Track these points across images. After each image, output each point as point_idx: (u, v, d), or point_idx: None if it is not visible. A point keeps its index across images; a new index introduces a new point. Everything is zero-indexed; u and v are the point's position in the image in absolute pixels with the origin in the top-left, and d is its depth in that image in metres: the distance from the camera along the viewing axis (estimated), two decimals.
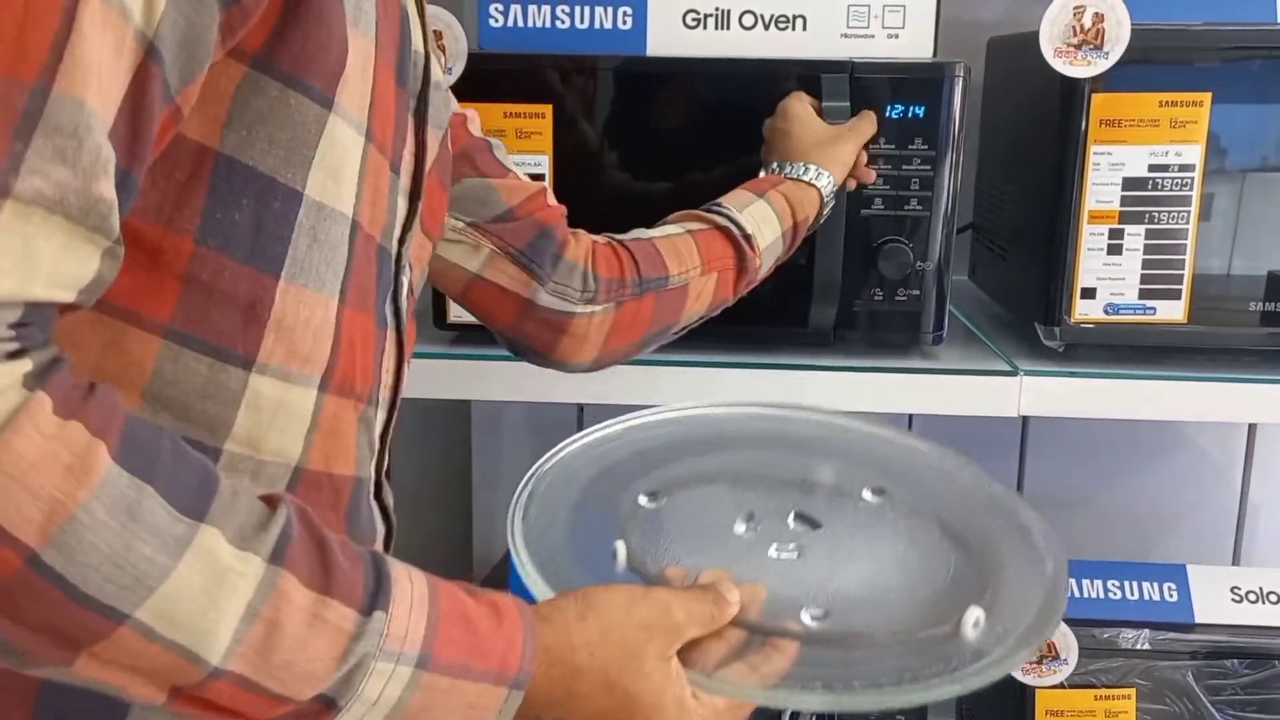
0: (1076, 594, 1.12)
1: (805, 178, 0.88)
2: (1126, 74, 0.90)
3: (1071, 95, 0.92)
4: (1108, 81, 0.91)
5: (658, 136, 0.99)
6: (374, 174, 0.55)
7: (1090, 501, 1.42)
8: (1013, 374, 0.96)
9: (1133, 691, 1.06)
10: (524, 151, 0.95)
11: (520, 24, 1.00)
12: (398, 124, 0.58)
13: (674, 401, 0.98)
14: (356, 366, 0.57)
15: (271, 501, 0.47)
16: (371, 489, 0.62)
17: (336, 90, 0.51)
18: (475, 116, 0.78)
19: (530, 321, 0.79)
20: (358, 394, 0.57)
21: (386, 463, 0.64)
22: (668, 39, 0.99)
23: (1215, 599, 1.11)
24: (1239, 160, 0.95)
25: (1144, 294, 0.94)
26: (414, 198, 0.63)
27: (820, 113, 0.93)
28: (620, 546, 0.62)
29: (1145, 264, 0.94)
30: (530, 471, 0.68)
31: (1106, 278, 0.95)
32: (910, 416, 1.36)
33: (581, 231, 0.81)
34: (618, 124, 0.98)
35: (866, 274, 0.97)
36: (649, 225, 0.86)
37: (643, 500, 0.68)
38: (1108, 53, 0.90)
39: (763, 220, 0.85)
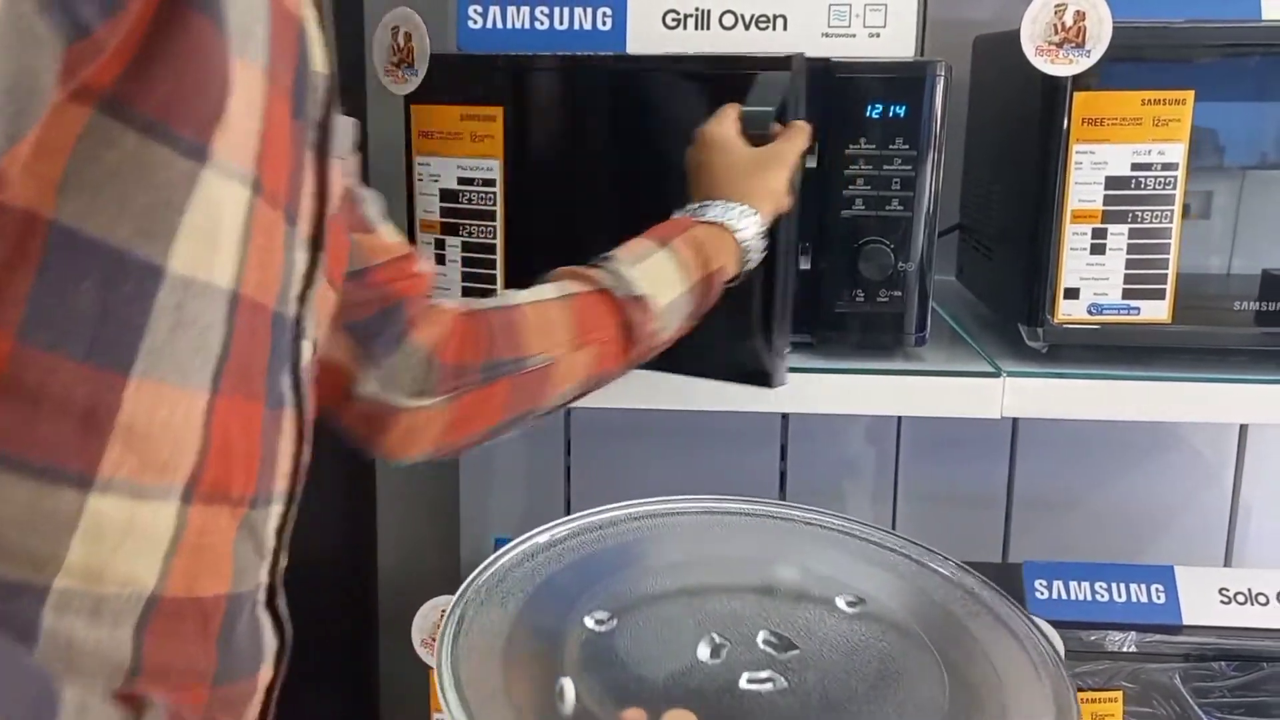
0: (1064, 596, 1.12)
1: (721, 220, 0.79)
2: (1109, 72, 0.89)
3: (1053, 94, 0.91)
4: (1090, 80, 0.90)
5: (592, 139, 0.97)
6: (263, 232, 0.47)
7: (1081, 502, 1.41)
8: (995, 375, 0.95)
9: (1119, 694, 1.05)
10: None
11: (499, 25, 1.00)
12: (294, 165, 0.50)
13: (655, 403, 0.97)
14: (235, 466, 0.48)
15: (135, 705, 0.40)
16: (262, 598, 0.53)
17: (212, 137, 0.42)
18: (348, 161, 0.67)
19: (349, 410, 0.68)
20: (236, 498, 0.49)
21: (284, 562, 0.55)
22: (648, 39, 0.99)
23: (1204, 601, 1.10)
24: (1224, 158, 0.95)
25: (1128, 294, 0.94)
26: (316, 246, 0.53)
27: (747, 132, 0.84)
28: (567, 685, 0.54)
29: (1129, 264, 0.93)
30: (460, 590, 0.60)
31: (1090, 278, 0.94)
32: (899, 420, 1.36)
33: (445, 304, 0.72)
34: (556, 126, 0.97)
35: (848, 275, 0.96)
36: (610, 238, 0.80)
37: (591, 623, 0.59)
38: (1089, 51, 0.89)
39: (661, 277, 0.75)
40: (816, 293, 0.97)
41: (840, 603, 0.63)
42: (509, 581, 0.62)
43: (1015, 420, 1.34)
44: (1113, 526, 1.40)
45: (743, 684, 0.56)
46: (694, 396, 0.96)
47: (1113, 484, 1.41)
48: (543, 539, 0.66)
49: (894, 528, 1.45)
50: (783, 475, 1.45)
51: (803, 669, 0.57)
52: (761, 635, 0.59)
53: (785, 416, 1.38)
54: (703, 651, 0.58)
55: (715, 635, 0.59)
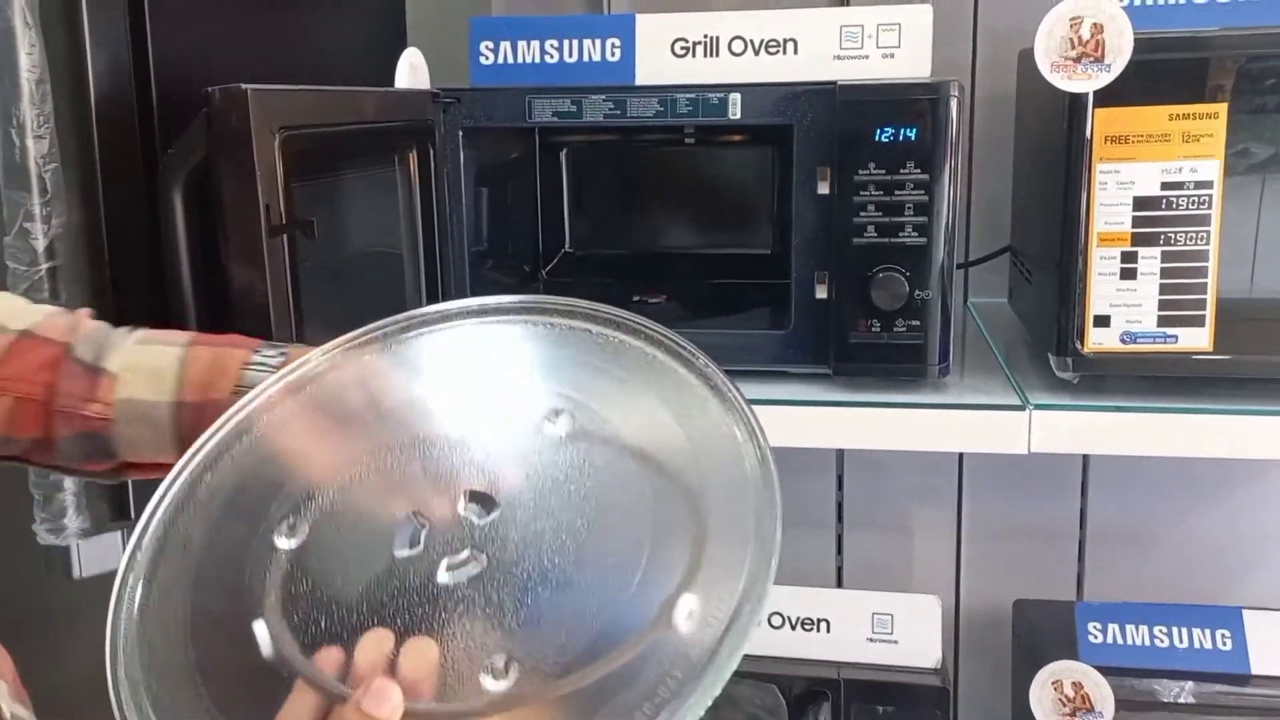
0: (1119, 640, 1.05)
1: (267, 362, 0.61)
2: (1132, 87, 0.84)
3: (1074, 110, 0.86)
4: (1112, 95, 0.85)
5: None
6: None
7: (1160, 537, 1.33)
8: (1021, 408, 0.90)
9: None
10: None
11: (510, 60, 1.00)
12: None
13: None
14: None
15: None
16: None
17: None
18: None
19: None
20: None
21: None
22: (657, 69, 0.98)
23: (1275, 648, 1.02)
24: (1265, 174, 0.88)
25: (1164, 321, 0.87)
26: None
27: None
28: (260, 628, 0.47)
29: (1163, 289, 0.87)
30: (140, 525, 0.51)
31: (1121, 304, 0.88)
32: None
33: None
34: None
35: (863, 304, 0.93)
36: None
37: (280, 540, 0.51)
38: (1109, 65, 0.84)
39: (144, 365, 0.60)
40: (833, 322, 0.94)
41: (545, 423, 0.55)
42: (198, 502, 0.53)
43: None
44: (1191, 565, 1.31)
45: (441, 577, 0.49)
46: None
47: (1195, 518, 1.32)
48: (220, 436, 0.55)
49: (959, 564, 1.39)
50: (839, 506, 1.41)
51: (505, 535, 0.50)
52: (461, 500, 0.51)
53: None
54: (401, 540, 0.50)
55: (414, 515, 0.51)
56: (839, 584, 1.43)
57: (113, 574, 0.51)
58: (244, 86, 0.63)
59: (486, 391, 0.59)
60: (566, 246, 1.23)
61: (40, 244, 0.73)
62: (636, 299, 1.11)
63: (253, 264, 0.64)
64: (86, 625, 0.79)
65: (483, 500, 0.51)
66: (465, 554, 0.49)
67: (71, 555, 0.76)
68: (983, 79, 1.28)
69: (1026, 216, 1.10)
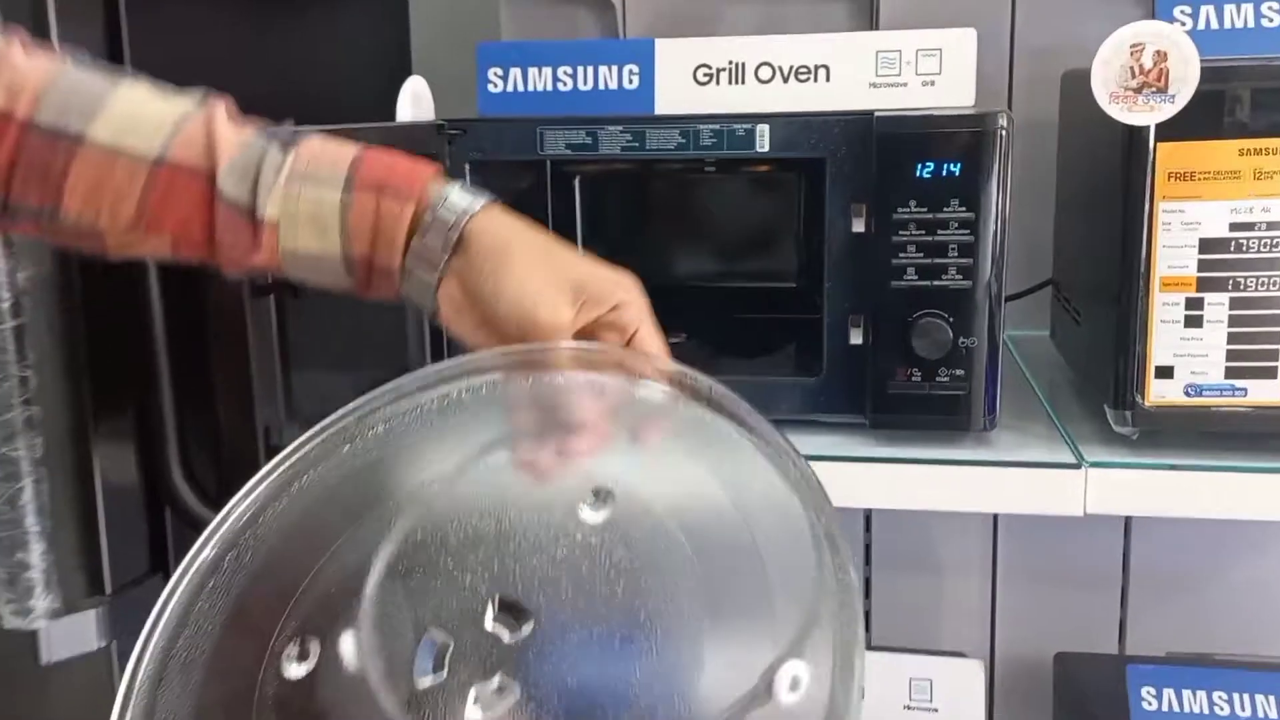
0: (1175, 708, 0.98)
1: (447, 217, 0.56)
2: (1198, 119, 0.77)
3: (1133, 144, 0.79)
4: (1176, 128, 0.77)
5: None
6: None
7: (1206, 584, 1.25)
8: (1076, 466, 0.83)
9: None
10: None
11: (521, 88, 0.93)
12: None
13: None
14: None
15: None
16: None
17: None
18: None
19: None
20: None
21: None
22: (678, 97, 0.91)
23: None
24: None
25: (1232, 373, 0.80)
26: None
27: None
28: None
29: (1231, 338, 0.80)
30: (131, 663, 0.44)
31: (1185, 354, 0.81)
32: None
33: None
34: None
35: (902, 352, 0.86)
36: None
37: (289, 664, 0.45)
38: (1173, 96, 0.77)
39: (310, 217, 0.55)
40: (870, 371, 0.87)
41: (585, 507, 0.47)
42: (198, 622, 0.46)
43: None
44: (1246, 612, 1.24)
45: (470, 714, 0.42)
46: None
47: (1245, 563, 1.25)
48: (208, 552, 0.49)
49: (994, 610, 1.32)
50: (868, 548, 1.34)
51: (541, 652, 0.43)
52: (490, 609, 0.44)
53: None
54: (423, 667, 0.43)
55: (435, 631, 0.44)
56: (867, 628, 1.36)
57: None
58: None
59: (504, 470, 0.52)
60: None
61: (5, 299, 0.66)
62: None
63: (234, 328, 0.58)
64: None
65: (514, 611, 0.44)
66: (496, 682, 0.42)
67: (40, 639, 0.70)
68: (1020, 101, 1.21)
69: (1073, 251, 1.03)
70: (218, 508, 0.61)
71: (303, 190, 0.55)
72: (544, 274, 0.56)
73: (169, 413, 0.58)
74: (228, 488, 0.61)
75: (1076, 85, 1.04)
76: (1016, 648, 1.30)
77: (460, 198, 0.57)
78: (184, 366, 0.59)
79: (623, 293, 0.59)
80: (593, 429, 0.53)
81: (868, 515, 1.33)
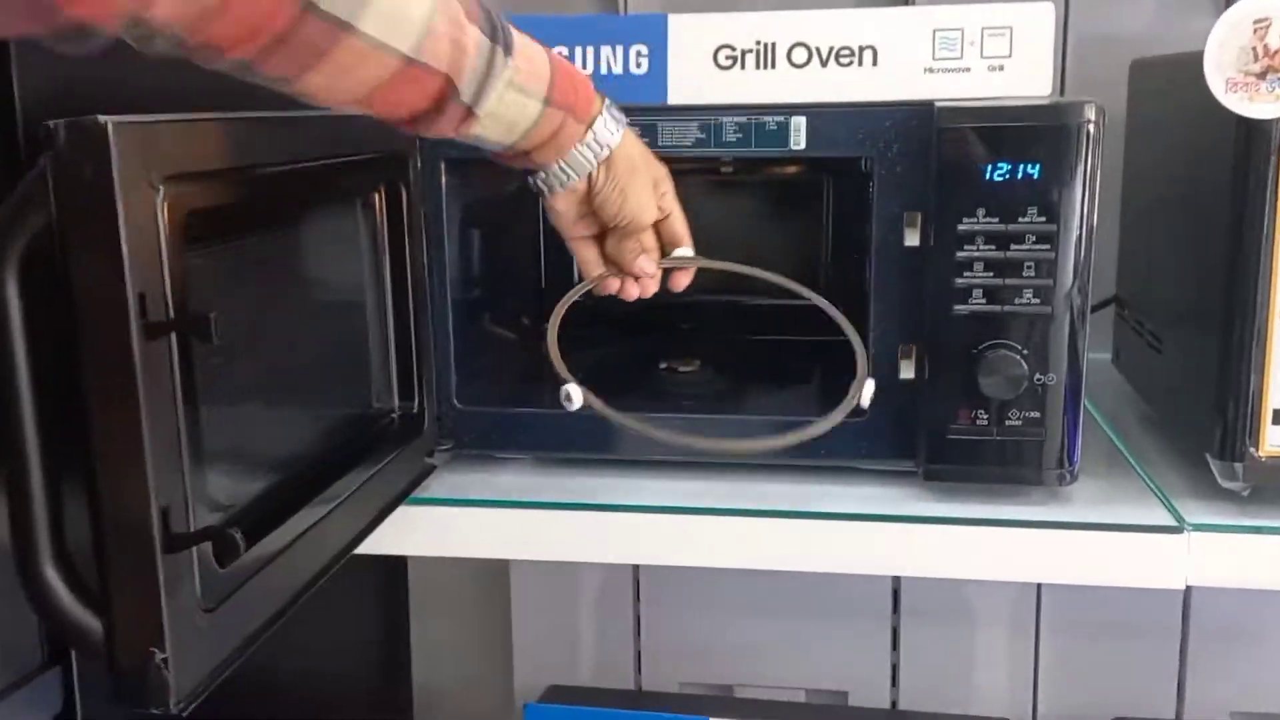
0: None
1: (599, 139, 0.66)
2: None
3: (1252, 142, 0.65)
4: None
5: None
6: None
7: (1272, 641, 1.12)
8: (1177, 530, 0.69)
9: None
10: None
11: None
12: None
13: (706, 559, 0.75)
14: None
15: None
16: None
17: None
18: None
19: None
20: None
21: None
22: (695, 84, 0.76)
23: None
24: None
25: None
26: None
27: None
28: None
29: None
30: None
31: None
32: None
33: None
34: None
35: (965, 390, 0.71)
36: None
37: None
38: None
39: (510, 120, 0.62)
40: (924, 411, 0.73)
41: None
42: None
43: None
44: None
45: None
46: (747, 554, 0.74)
47: None
48: None
49: (1036, 664, 1.18)
50: (896, 594, 1.20)
51: None
52: None
53: None
54: None
55: None
56: (894, 683, 1.22)
57: None
58: (103, 118, 0.42)
59: None
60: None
61: None
62: (664, 366, 0.90)
63: (119, 380, 0.43)
64: None
65: None
66: None
67: None
68: (1075, 95, 1.06)
69: (1148, 265, 0.89)
70: (100, 609, 0.46)
71: (514, 98, 0.61)
72: (649, 190, 0.70)
73: (37, 489, 0.44)
74: (118, 584, 0.47)
75: (1151, 75, 0.91)
76: (1062, 710, 1.16)
77: (612, 124, 0.67)
78: (58, 429, 0.44)
79: (667, 184, 0.72)
80: None
81: None
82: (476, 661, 1.28)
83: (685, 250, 0.73)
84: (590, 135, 0.65)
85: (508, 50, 0.60)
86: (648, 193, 0.69)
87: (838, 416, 0.68)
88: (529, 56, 0.62)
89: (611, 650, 1.23)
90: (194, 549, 0.49)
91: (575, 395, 0.67)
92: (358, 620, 1.19)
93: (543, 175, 0.67)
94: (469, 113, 0.60)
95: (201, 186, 0.50)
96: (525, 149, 0.64)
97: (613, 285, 0.73)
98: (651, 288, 0.73)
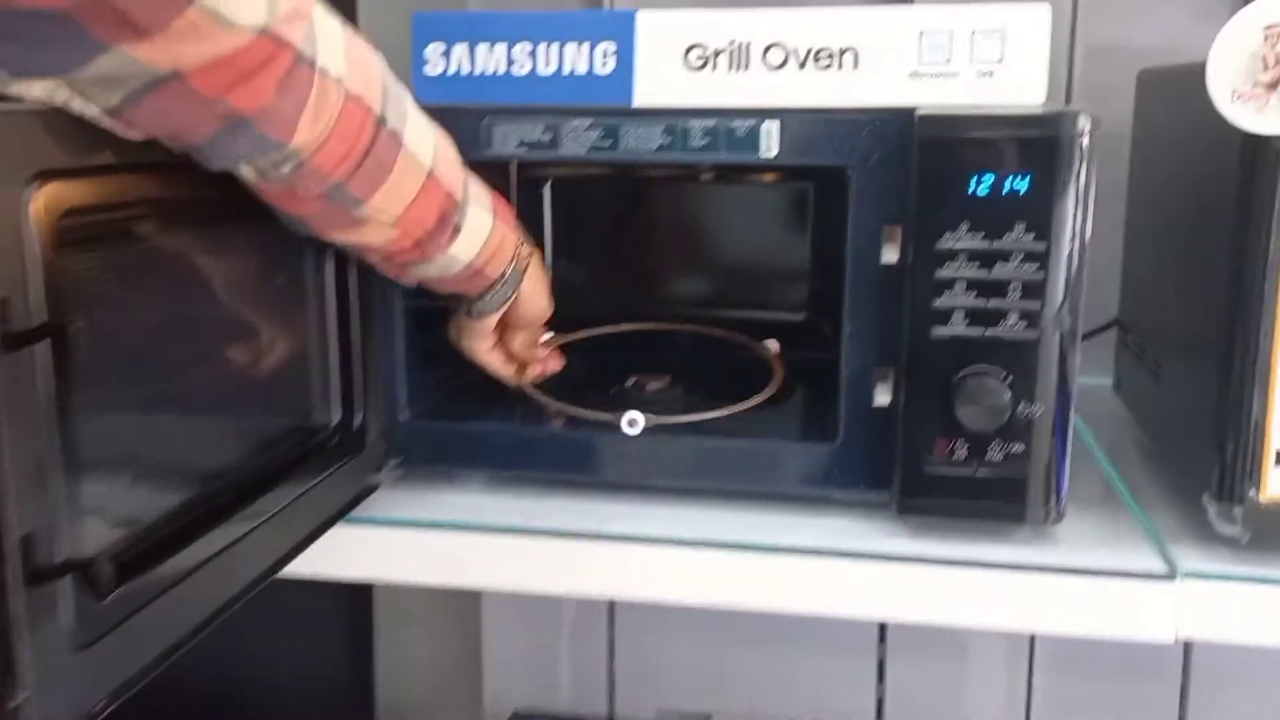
0: None
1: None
2: None
3: (1258, 159, 0.60)
4: None
5: None
6: None
7: (1276, 681, 1.06)
8: (1168, 578, 0.64)
9: None
10: None
11: (467, 70, 0.74)
12: None
13: (670, 595, 0.70)
14: None
15: None
16: None
17: None
18: None
19: None
20: None
21: None
22: (663, 85, 0.72)
23: None
24: None
25: None
26: None
27: None
28: None
29: None
30: None
31: None
32: None
33: None
34: None
35: (943, 420, 0.66)
36: None
37: None
38: None
39: (480, 223, 0.67)
40: (899, 441, 0.68)
41: None
42: None
43: None
44: None
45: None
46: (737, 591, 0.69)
47: None
48: None
49: (1029, 702, 1.12)
50: (882, 626, 1.15)
51: None
52: None
53: None
54: None
55: None
56: (879, 716, 1.16)
57: None
58: None
59: None
60: None
61: None
62: (632, 381, 0.85)
63: None
64: None
65: None
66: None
67: None
68: (1081, 106, 1.01)
69: (1152, 288, 0.84)
70: None
71: (476, 212, 0.66)
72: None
73: None
74: None
75: (1158, 86, 0.85)
76: None
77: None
78: None
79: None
80: None
81: None
82: (445, 681, 1.23)
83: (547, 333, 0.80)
84: (518, 236, 0.70)
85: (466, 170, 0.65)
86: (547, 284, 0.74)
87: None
88: (474, 176, 0.67)
89: (585, 673, 1.19)
90: (66, 579, 0.45)
91: (639, 420, 0.72)
92: (321, 635, 1.15)
93: (487, 296, 0.70)
94: (455, 230, 0.64)
95: (87, 183, 0.45)
96: (480, 265, 0.67)
97: (531, 374, 0.79)
98: (555, 365, 0.80)
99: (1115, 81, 0.92)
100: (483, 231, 0.67)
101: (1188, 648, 1.08)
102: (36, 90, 0.43)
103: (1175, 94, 0.80)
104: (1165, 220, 0.82)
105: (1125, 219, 0.92)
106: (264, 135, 0.49)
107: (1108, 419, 0.91)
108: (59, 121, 0.44)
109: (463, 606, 1.21)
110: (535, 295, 0.73)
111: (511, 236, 0.70)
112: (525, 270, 0.71)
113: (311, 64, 0.49)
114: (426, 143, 0.60)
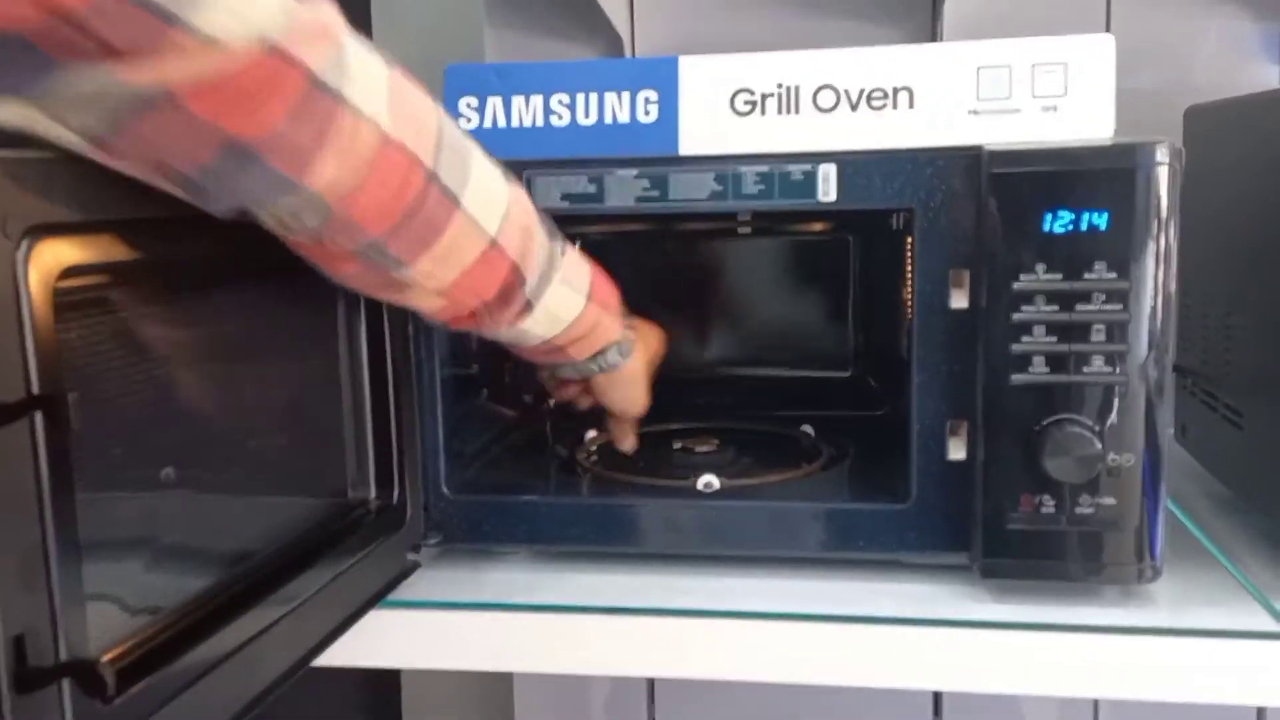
0: None
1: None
2: None
3: None
4: None
5: None
6: None
7: None
8: (1277, 638, 0.59)
9: None
10: None
11: (503, 123, 0.71)
12: None
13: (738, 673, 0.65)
14: None
15: None
16: None
17: None
18: None
19: None
20: None
21: None
22: (710, 133, 0.68)
23: None
24: None
25: None
26: None
27: None
28: None
29: None
30: None
31: None
32: None
33: None
34: None
35: (1026, 473, 0.62)
36: None
37: None
38: None
39: (556, 311, 0.63)
40: (978, 497, 0.64)
41: None
42: None
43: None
44: None
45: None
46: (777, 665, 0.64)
47: None
48: None
49: None
50: (936, 696, 1.09)
51: None
52: None
53: None
54: None
55: None
56: None
57: None
58: None
59: None
60: None
61: None
62: (679, 447, 0.81)
63: None
64: None
65: None
66: None
67: None
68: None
69: (1221, 331, 0.80)
70: None
71: (564, 293, 0.62)
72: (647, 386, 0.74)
73: None
74: None
75: (1208, 122, 0.83)
76: None
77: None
78: None
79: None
80: None
81: None
82: None
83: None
84: (620, 324, 0.67)
85: (561, 249, 0.61)
86: (645, 388, 0.72)
87: None
88: (574, 256, 0.63)
89: None
90: (63, 683, 0.39)
91: (714, 481, 0.72)
92: None
93: (568, 368, 0.69)
94: (527, 305, 0.60)
95: (87, 240, 0.41)
96: (562, 344, 0.65)
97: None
98: (628, 446, 0.78)
99: (1155, 117, 0.90)
100: (568, 313, 0.63)
101: (1260, 716, 1.03)
102: (5, 114, 0.39)
103: (1230, 128, 0.77)
104: (1226, 258, 0.78)
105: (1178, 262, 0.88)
106: (274, 170, 0.44)
107: (1176, 472, 0.86)
108: (57, 171, 0.40)
109: (493, 690, 1.15)
110: (625, 388, 0.71)
111: (610, 324, 0.66)
112: (620, 364, 0.68)
113: (335, 95, 0.44)
114: (494, 207, 0.55)
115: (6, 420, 0.35)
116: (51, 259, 0.38)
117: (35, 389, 0.36)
